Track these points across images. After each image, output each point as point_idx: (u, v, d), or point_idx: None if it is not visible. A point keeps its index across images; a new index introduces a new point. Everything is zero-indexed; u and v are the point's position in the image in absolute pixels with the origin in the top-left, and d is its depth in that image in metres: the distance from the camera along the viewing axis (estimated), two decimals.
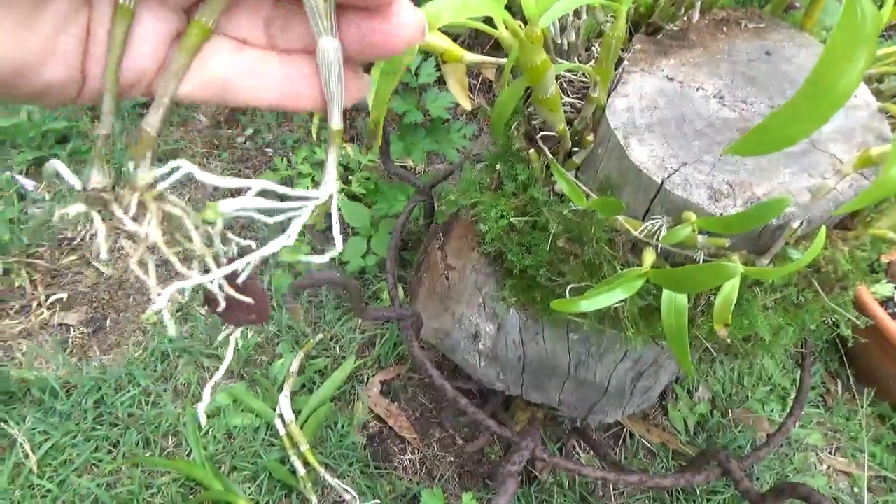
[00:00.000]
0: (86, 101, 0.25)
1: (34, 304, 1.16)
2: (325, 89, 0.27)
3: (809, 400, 1.14)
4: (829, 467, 1.08)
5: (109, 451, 1.02)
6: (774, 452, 1.07)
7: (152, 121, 0.25)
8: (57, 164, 0.26)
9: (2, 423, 1.02)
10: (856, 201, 0.42)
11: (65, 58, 0.23)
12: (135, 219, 0.26)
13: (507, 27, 0.51)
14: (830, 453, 1.09)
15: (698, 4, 0.62)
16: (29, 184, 1.29)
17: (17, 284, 1.18)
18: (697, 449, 1.07)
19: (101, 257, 0.27)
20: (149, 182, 0.26)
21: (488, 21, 0.51)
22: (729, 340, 0.62)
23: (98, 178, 0.25)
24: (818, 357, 1.18)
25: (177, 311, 1.17)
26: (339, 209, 1.24)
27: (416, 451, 1.07)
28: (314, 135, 0.68)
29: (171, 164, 0.26)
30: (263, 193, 0.26)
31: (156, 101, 0.25)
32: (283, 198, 0.27)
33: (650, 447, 1.08)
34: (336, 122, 0.27)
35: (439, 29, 0.48)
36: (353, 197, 1.25)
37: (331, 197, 0.28)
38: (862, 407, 1.13)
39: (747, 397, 1.13)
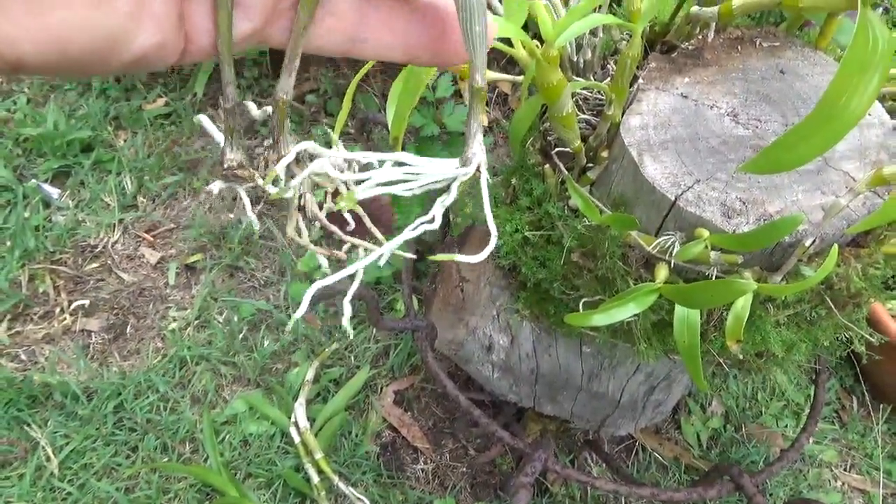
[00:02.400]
0: (191, 60, 0.23)
1: (57, 310, 1.19)
2: (467, 38, 0.23)
3: (824, 416, 1.14)
4: (843, 484, 1.07)
5: (128, 456, 1.04)
6: (788, 468, 1.07)
7: (285, 86, 0.23)
8: (203, 120, 0.26)
9: (25, 426, 1.04)
10: (867, 221, 0.43)
11: (157, 19, 0.20)
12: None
13: (524, 47, 0.52)
14: (845, 470, 1.09)
15: (713, 24, 0.63)
16: (54, 192, 1.32)
17: (41, 290, 1.20)
18: (710, 463, 1.07)
19: (254, 226, 0.28)
20: (291, 153, 0.25)
21: (505, 40, 0.53)
22: (741, 356, 0.62)
23: (231, 156, 0.25)
24: (833, 373, 1.17)
25: (195, 319, 1.19)
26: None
27: (429, 461, 1.08)
28: (334, 146, 0.70)
29: (298, 146, 0.25)
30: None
31: (285, 65, 0.23)
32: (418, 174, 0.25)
33: (662, 461, 1.08)
34: (479, 79, 0.24)
35: None
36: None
37: (479, 169, 0.25)
38: (877, 424, 1.12)
39: (761, 412, 1.13)
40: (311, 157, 0.26)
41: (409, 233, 0.25)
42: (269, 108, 0.26)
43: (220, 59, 0.22)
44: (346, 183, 0.26)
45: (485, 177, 0.25)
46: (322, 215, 0.26)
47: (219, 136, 0.25)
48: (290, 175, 0.26)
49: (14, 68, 0.18)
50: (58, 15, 0.17)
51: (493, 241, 0.25)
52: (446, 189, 0.25)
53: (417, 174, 0.25)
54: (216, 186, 0.25)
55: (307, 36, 0.23)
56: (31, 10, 0.17)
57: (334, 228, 0.27)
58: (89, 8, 0.18)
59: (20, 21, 0.17)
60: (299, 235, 0.26)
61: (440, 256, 0.28)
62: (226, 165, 0.25)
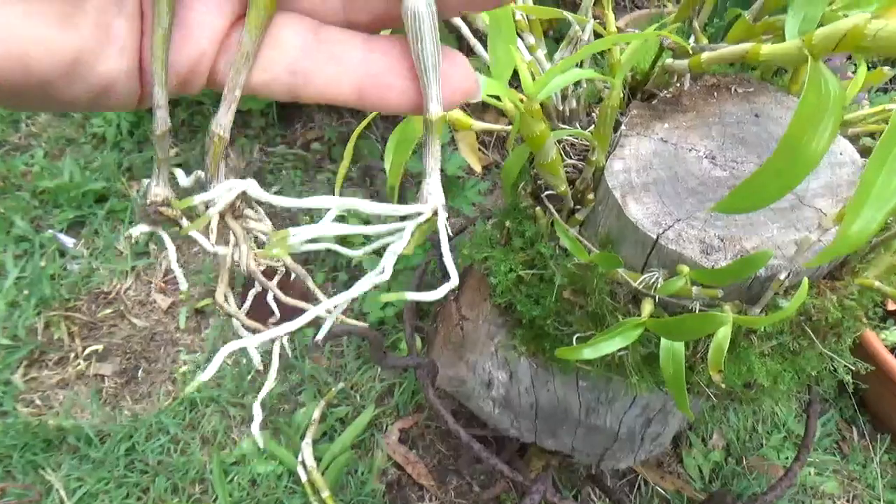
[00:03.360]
0: (148, 104, 0.21)
1: (71, 356, 1.22)
2: (418, 63, 0.20)
3: (825, 447, 1.15)
4: None
5: (140, 498, 1.06)
6: (791, 499, 1.07)
7: (223, 121, 0.21)
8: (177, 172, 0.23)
9: (40, 470, 1.07)
10: (823, 253, 0.46)
11: (120, 46, 0.19)
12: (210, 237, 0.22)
13: (510, 100, 0.56)
14: (847, 501, 1.09)
15: (688, 73, 0.67)
16: (69, 241, 1.36)
17: (56, 336, 1.24)
18: None
19: (180, 287, 0.24)
20: (229, 199, 0.22)
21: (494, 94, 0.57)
22: (724, 386, 0.65)
23: (157, 191, 0.22)
24: (833, 405, 1.19)
25: (205, 362, 1.22)
26: (360, 262, 1.29)
27: (434, 499, 1.09)
28: (336, 194, 0.74)
29: (231, 183, 0.22)
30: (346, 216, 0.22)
31: (224, 97, 0.21)
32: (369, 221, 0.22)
33: (665, 494, 1.09)
34: (434, 107, 0.21)
35: None
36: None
37: (435, 213, 0.22)
38: (877, 454, 1.13)
39: (762, 444, 1.14)
40: (257, 204, 0.23)
41: (359, 287, 0.22)
42: (201, 173, 0.23)
43: (154, 79, 0.20)
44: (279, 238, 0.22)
45: (443, 219, 0.22)
46: (259, 272, 0.24)
47: (183, 181, 0.22)
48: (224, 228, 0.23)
49: None
50: (14, 26, 0.17)
51: (454, 282, 0.23)
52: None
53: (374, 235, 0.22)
54: (138, 230, 0.22)
55: (249, 71, 0.21)
56: None
57: (272, 286, 0.24)
58: (50, 24, 0.17)
59: None
60: (226, 300, 0.23)
61: (391, 296, 0.24)
62: (149, 201, 0.22)
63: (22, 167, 1.48)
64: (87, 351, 1.23)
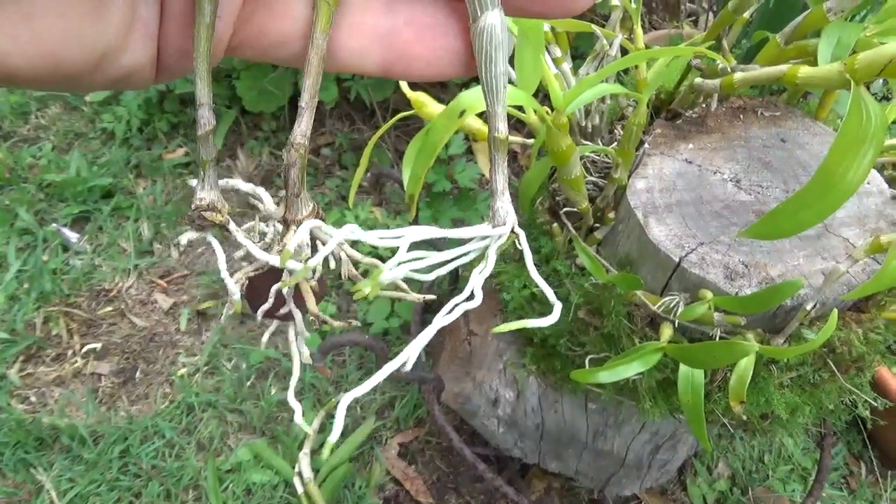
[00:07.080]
0: (158, 81, 0.20)
1: (69, 353, 1.20)
2: (486, 80, 0.20)
3: (832, 482, 1.13)
4: None
5: (131, 502, 1.03)
6: None
7: (303, 129, 0.20)
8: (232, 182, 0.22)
9: (31, 469, 1.05)
10: (864, 287, 0.44)
11: (146, 36, 0.19)
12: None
13: (535, 113, 0.55)
14: None
15: (716, 94, 0.66)
16: (72, 236, 1.35)
17: (54, 332, 1.22)
18: None
19: (233, 297, 0.23)
20: (311, 210, 0.21)
21: (518, 106, 0.56)
22: (745, 417, 0.63)
23: (203, 195, 0.21)
24: (840, 438, 1.16)
25: (204, 366, 1.20)
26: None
27: None
28: (350, 201, 0.73)
29: (340, 233, 0.21)
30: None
31: (307, 105, 0.20)
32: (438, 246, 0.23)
33: None
34: (502, 127, 0.20)
35: None
36: (380, 259, 1.28)
37: (514, 231, 0.21)
38: (886, 490, 1.11)
39: (768, 476, 1.12)
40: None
41: (443, 318, 0.21)
42: (232, 181, 0.23)
43: (196, 75, 0.19)
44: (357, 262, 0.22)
45: (523, 236, 0.22)
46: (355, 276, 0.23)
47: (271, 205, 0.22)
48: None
49: (5, 82, 0.17)
50: (50, 25, 0.16)
51: (557, 310, 0.22)
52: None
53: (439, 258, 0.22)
54: (185, 237, 0.22)
55: (323, 67, 0.20)
56: (22, 18, 0.16)
57: (316, 311, 0.23)
58: (83, 20, 0.17)
59: (12, 33, 0.16)
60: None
61: (507, 326, 0.23)
62: (194, 206, 0.21)
63: (29, 159, 1.47)
64: (85, 349, 1.21)
